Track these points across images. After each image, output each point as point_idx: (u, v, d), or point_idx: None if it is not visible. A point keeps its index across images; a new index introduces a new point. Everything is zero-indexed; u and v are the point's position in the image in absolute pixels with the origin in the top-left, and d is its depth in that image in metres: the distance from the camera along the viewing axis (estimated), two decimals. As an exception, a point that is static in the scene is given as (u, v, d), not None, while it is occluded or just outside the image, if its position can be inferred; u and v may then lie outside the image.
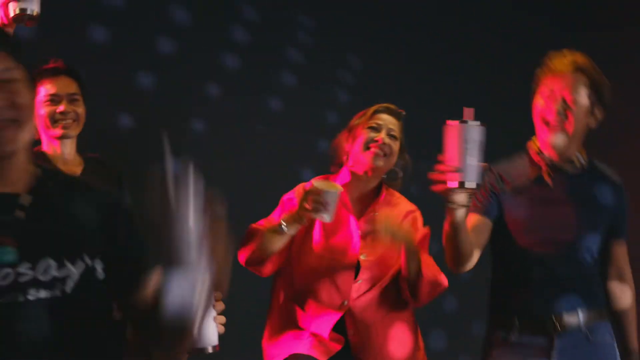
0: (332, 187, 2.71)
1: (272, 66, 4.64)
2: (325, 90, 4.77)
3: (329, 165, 3.14)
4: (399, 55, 4.93)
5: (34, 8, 2.70)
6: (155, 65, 4.23)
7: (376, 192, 2.98)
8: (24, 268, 1.65)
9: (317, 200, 2.64)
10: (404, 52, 4.94)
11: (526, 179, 2.81)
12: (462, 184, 2.33)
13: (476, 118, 2.35)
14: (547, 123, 2.72)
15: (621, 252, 2.93)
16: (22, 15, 2.68)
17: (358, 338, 2.83)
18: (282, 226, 2.74)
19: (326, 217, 2.67)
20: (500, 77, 5.01)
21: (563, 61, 2.71)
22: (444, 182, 2.36)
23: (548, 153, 2.79)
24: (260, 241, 2.79)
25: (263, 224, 2.88)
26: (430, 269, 2.84)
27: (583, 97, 2.69)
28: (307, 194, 2.67)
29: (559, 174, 2.80)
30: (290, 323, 2.89)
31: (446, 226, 2.54)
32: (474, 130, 2.34)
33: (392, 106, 2.97)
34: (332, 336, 2.81)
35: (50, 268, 1.68)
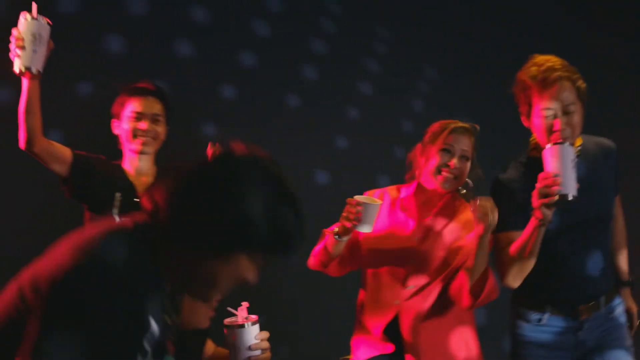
0: (372, 200, 2.84)
1: (349, 76, 4.79)
2: (401, 99, 4.88)
3: (404, 172, 3.27)
4: (473, 65, 5.01)
5: (38, 67, 2.89)
6: (237, 77, 4.42)
7: (442, 199, 3.07)
8: None
9: (356, 212, 2.78)
10: (478, 62, 5.01)
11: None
12: (565, 196, 2.53)
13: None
14: (553, 135, 2.75)
15: (618, 207, 3.10)
16: (26, 72, 2.87)
17: (410, 338, 2.95)
18: (336, 236, 2.88)
19: (365, 228, 2.82)
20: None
21: (545, 73, 2.74)
22: (549, 196, 2.51)
23: None
24: (323, 247, 2.96)
25: (333, 229, 3.03)
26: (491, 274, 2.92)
27: (575, 102, 2.76)
28: (348, 206, 2.81)
29: None
30: (359, 323, 3.07)
31: (522, 242, 2.65)
32: (570, 150, 2.57)
33: (467, 125, 3.02)
34: (384, 337, 2.95)
35: None
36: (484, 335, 4.85)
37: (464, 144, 2.95)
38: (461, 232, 3.00)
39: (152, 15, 4.27)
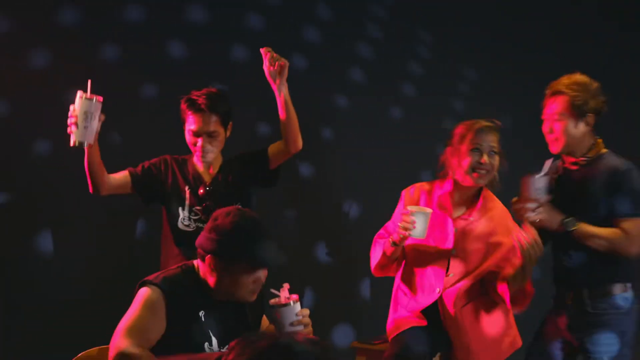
0: (423, 210, 3.16)
1: (393, 78, 5.10)
2: (442, 99, 5.17)
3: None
4: (511, 67, 5.27)
5: (89, 141, 3.17)
6: (289, 79, 4.73)
7: (476, 195, 3.37)
8: None
9: (411, 221, 3.09)
10: (515, 64, 5.27)
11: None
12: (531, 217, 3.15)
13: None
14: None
15: (622, 227, 3.27)
16: (78, 146, 3.17)
17: (446, 320, 3.27)
18: (393, 243, 3.21)
19: (419, 235, 3.13)
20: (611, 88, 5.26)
21: (552, 86, 3.41)
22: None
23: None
24: (382, 254, 3.31)
25: (382, 234, 3.35)
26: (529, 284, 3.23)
27: (564, 115, 3.33)
28: (404, 216, 3.12)
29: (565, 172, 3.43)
30: (396, 308, 3.38)
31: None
32: (541, 180, 3.14)
33: (490, 123, 3.33)
34: (420, 316, 3.28)
35: None
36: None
37: (491, 140, 3.26)
38: (496, 227, 3.29)
39: (212, 22, 4.65)
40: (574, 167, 3.38)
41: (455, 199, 3.35)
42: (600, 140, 3.41)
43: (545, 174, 3.15)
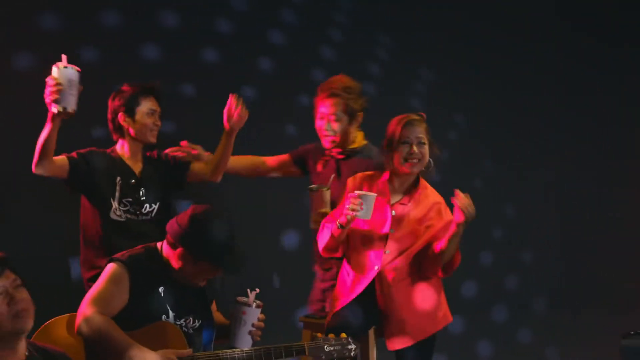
0: (368, 194, 3.47)
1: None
2: (400, 98, 5.53)
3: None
4: (465, 68, 5.66)
5: (74, 107, 3.30)
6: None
7: (413, 184, 3.69)
8: None
9: (359, 204, 3.43)
10: (469, 65, 5.66)
11: None
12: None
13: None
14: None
15: None
16: (63, 112, 3.29)
17: (383, 296, 3.59)
18: (340, 226, 3.54)
19: (364, 216, 3.46)
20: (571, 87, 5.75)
21: (327, 88, 3.87)
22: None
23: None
24: (330, 237, 3.61)
25: (329, 219, 3.69)
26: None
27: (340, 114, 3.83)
28: (351, 199, 3.45)
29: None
30: (341, 286, 3.70)
31: None
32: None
33: (416, 117, 3.66)
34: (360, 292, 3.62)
35: None
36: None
37: (418, 132, 3.59)
38: (429, 212, 3.63)
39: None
40: (341, 156, 3.87)
41: (394, 187, 3.68)
42: (361, 133, 3.92)
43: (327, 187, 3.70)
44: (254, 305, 3.07)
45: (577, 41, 5.79)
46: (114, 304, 2.93)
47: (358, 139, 3.94)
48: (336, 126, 3.85)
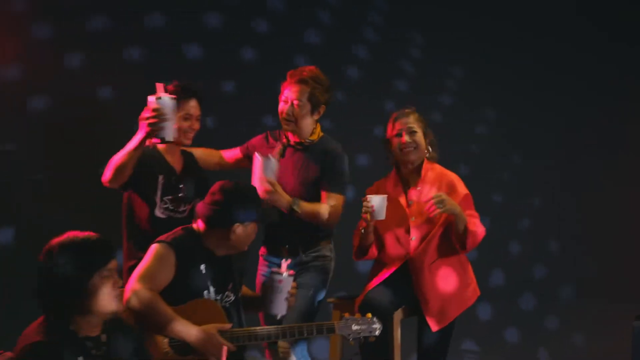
0: (377, 195, 3.71)
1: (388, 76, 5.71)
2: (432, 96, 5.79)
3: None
4: (493, 65, 5.86)
5: (170, 137, 3.34)
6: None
7: (419, 169, 3.92)
8: None
9: (370, 206, 3.68)
10: (498, 63, 5.86)
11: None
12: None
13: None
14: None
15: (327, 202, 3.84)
16: (162, 142, 3.38)
17: (416, 280, 3.84)
18: (363, 231, 3.82)
19: (380, 216, 3.70)
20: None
21: (295, 74, 3.88)
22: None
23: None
24: (358, 242, 3.91)
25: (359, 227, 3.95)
26: (472, 225, 3.78)
27: (304, 101, 3.86)
28: (364, 203, 3.69)
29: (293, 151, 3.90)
30: (374, 271, 3.98)
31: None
32: (273, 162, 3.69)
33: (404, 110, 3.93)
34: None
35: None
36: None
37: (408, 122, 3.87)
38: (440, 187, 3.86)
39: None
40: (299, 147, 3.91)
41: (405, 177, 3.94)
42: (319, 125, 3.96)
43: (277, 159, 3.68)
44: (287, 274, 3.32)
45: (600, 39, 5.92)
46: (160, 280, 3.13)
47: (317, 130, 3.98)
48: (297, 112, 3.87)
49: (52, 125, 4.84)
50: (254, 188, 3.42)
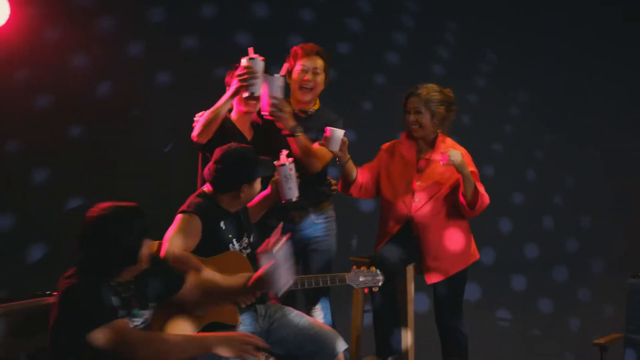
0: (338, 129, 3.91)
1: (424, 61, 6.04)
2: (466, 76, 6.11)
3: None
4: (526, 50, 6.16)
5: (258, 92, 3.67)
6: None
7: (433, 141, 4.19)
8: None
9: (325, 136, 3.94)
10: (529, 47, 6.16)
11: None
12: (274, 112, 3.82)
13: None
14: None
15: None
16: (251, 97, 3.69)
17: (418, 238, 4.12)
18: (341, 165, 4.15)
19: (330, 147, 3.92)
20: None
21: (312, 46, 4.07)
22: None
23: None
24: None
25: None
26: (480, 190, 4.05)
27: (322, 71, 4.07)
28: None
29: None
30: (381, 229, 4.28)
31: None
32: (279, 79, 3.75)
33: (413, 90, 4.13)
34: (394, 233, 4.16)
35: None
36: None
37: (414, 102, 4.12)
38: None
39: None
40: (302, 116, 4.09)
41: (419, 146, 4.21)
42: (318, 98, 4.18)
43: (282, 75, 3.82)
44: (289, 161, 3.68)
45: (632, 27, 6.19)
46: (189, 244, 3.37)
47: (317, 101, 4.18)
48: (319, 79, 4.07)
49: (115, 108, 5.30)
50: (250, 148, 3.62)
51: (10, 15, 4.77)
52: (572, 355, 5.26)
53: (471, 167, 4.04)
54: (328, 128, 3.91)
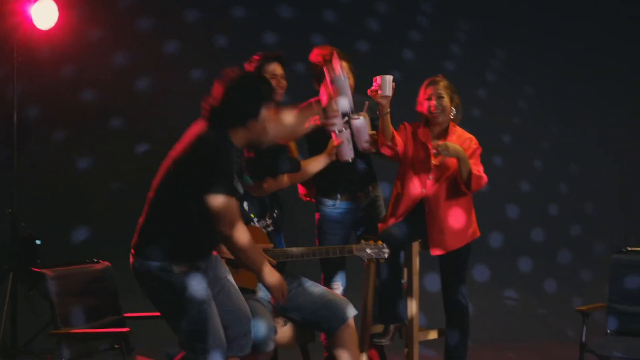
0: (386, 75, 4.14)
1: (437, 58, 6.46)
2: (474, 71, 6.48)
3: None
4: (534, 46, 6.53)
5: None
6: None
7: (447, 128, 4.44)
8: None
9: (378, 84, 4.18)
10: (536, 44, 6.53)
11: None
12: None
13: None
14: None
15: None
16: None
17: (430, 212, 4.41)
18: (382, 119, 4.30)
19: (385, 92, 4.14)
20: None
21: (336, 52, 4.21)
22: None
23: None
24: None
25: None
26: (476, 170, 4.31)
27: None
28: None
29: None
30: (393, 205, 4.52)
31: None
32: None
33: (434, 77, 4.38)
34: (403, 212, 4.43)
35: None
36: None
37: (436, 88, 4.38)
38: (461, 144, 4.34)
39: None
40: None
41: (434, 132, 4.47)
42: None
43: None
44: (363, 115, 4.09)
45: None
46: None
47: None
48: (351, 84, 4.29)
49: (155, 101, 5.76)
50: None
51: (58, 18, 5.10)
52: (573, 331, 5.64)
53: (469, 151, 4.33)
54: (378, 76, 4.17)
